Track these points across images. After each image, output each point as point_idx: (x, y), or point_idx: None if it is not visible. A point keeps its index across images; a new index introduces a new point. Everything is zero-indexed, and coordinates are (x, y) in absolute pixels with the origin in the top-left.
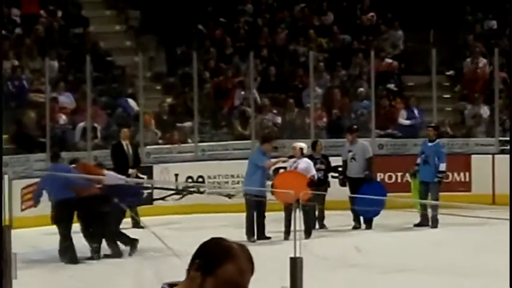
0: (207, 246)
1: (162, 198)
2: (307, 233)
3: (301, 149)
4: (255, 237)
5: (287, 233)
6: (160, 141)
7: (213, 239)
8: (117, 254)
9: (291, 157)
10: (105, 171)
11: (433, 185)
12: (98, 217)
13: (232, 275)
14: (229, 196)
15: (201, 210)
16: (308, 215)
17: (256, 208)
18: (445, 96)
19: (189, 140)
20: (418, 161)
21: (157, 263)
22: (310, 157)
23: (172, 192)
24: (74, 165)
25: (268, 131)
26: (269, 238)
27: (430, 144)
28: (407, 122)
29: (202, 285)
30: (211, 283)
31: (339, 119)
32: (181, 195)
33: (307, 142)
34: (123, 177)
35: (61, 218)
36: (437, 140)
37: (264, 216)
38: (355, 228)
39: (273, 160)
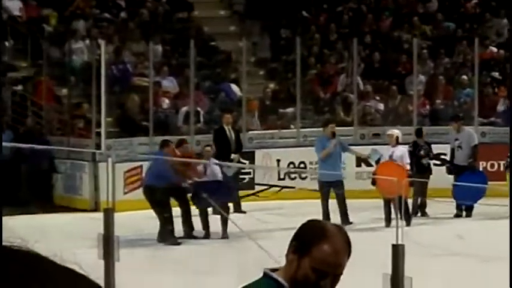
0: (302, 229)
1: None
2: (407, 221)
3: (397, 137)
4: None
5: (388, 220)
6: (261, 127)
7: (309, 221)
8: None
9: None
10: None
11: None
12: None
13: (327, 254)
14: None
15: (303, 196)
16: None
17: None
18: None
19: (291, 126)
20: None
21: (259, 249)
22: (414, 144)
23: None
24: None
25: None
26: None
27: None
28: (502, 108)
29: (299, 266)
30: (307, 263)
31: (441, 107)
32: (279, 188)
33: (410, 129)
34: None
35: (162, 203)
36: None
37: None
38: (457, 216)
39: (325, 151)
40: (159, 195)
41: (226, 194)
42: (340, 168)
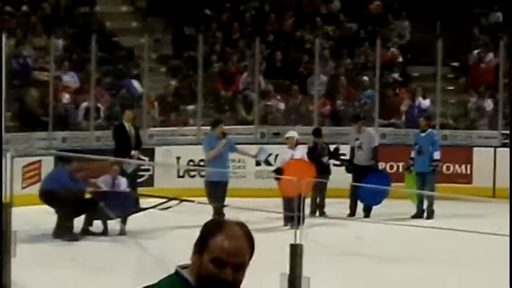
0: (202, 228)
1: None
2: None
3: (297, 139)
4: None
5: (287, 219)
6: (162, 124)
7: (210, 220)
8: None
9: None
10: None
11: (428, 176)
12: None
13: (222, 243)
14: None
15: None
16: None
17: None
18: (449, 88)
19: (192, 123)
20: (412, 154)
21: (158, 246)
22: (314, 144)
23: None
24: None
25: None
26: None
27: (422, 134)
28: (404, 109)
29: (201, 263)
30: (206, 257)
31: (342, 108)
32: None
33: (310, 129)
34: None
35: (61, 203)
36: (429, 130)
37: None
38: (349, 215)
39: (213, 150)
40: (57, 198)
41: (125, 206)
42: (227, 168)
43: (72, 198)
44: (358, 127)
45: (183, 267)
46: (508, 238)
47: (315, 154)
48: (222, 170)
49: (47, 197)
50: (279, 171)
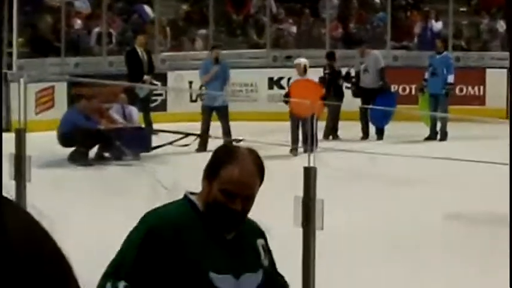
0: (214, 154)
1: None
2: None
3: (305, 65)
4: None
5: (295, 142)
6: (174, 48)
7: (221, 145)
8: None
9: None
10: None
11: (441, 97)
12: None
13: (233, 174)
14: (237, 141)
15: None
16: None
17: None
18: (462, 10)
19: (204, 47)
20: (426, 75)
21: (172, 171)
22: (331, 67)
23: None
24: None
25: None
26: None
27: (438, 56)
28: (418, 31)
29: (210, 190)
30: (216, 186)
31: (354, 31)
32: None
33: (322, 52)
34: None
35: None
36: (445, 52)
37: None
38: (362, 139)
39: (205, 76)
40: (73, 140)
41: (140, 143)
42: (223, 93)
43: (88, 135)
44: (362, 51)
45: (192, 193)
46: None
47: (331, 77)
48: (215, 94)
49: (64, 140)
50: (288, 95)
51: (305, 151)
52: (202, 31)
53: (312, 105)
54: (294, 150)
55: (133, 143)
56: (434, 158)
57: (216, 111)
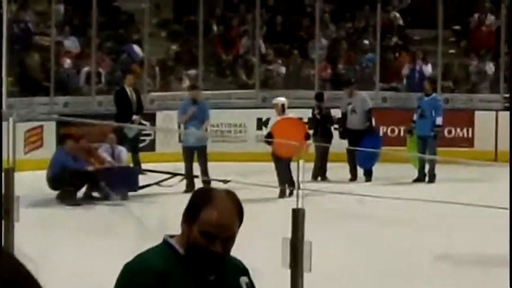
0: (192, 197)
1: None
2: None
3: (283, 104)
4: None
5: (282, 184)
6: (163, 88)
7: (198, 188)
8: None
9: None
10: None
11: (430, 139)
12: None
13: (212, 217)
14: (225, 181)
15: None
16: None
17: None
18: (451, 52)
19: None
20: (415, 117)
21: (159, 211)
22: (319, 108)
23: (168, 177)
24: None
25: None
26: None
27: (426, 98)
28: (406, 73)
29: (189, 233)
30: (196, 228)
31: (343, 71)
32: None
33: (311, 93)
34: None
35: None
36: (434, 94)
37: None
38: (351, 180)
39: (183, 116)
40: (62, 181)
41: (128, 182)
42: (199, 133)
43: (76, 176)
44: (350, 92)
45: (171, 236)
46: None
47: (319, 118)
48: (195, 136)
49: (54, 182)
50: (270, 135)
51: (291, 194)
52: (192, 71)
53: (297, 145)
54: (283, 192)
55: (121, 182)
56: (423, 200)
57: (196, 150)
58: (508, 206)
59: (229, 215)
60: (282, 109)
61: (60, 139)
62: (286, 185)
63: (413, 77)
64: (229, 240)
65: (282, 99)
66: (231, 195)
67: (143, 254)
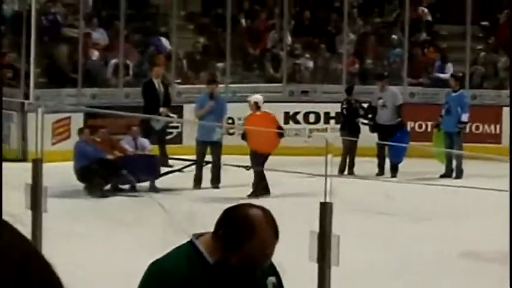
0: (230, 218)
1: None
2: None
3: (256, 102)
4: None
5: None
6: (190, 81)
7: (233, 211)
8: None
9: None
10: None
11: (455, 136)
12: None
13: (256, 251)
14: (247, 168)
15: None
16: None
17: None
18: (479, 47)
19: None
20: (443, 112)
21: (187, 204)
22: (348, 102)
23: (190, 163)
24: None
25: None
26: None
27: (453, 94)
28: (444, 76)
29: (227, 259)
30: (236, 258)
31: (371, 66)
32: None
33: (339, 88)
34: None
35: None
36: (461, 90)
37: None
38: (378, 175)
39: (199, 110)
40: (90, 172)
41: (149, 170)
42: (217, 128)
43: (101, 166)
44: (382, 86)
45: (199, 235)
46: None
47: (348, 112)
48: (211, 130)
49: (81, 175)
50: (244, 135)
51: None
52: (219, 64)
53: (271, 140)
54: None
55: (142, 169)
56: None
57: (209, 145)
58: None
59: (271, 243)
60: (256, 107)
61: (79, 130)
62: (258, 187)
63: (440, 72)
64: (268, 261)
65: (256, 97)
66: (268, 217)
67: (169, 255)
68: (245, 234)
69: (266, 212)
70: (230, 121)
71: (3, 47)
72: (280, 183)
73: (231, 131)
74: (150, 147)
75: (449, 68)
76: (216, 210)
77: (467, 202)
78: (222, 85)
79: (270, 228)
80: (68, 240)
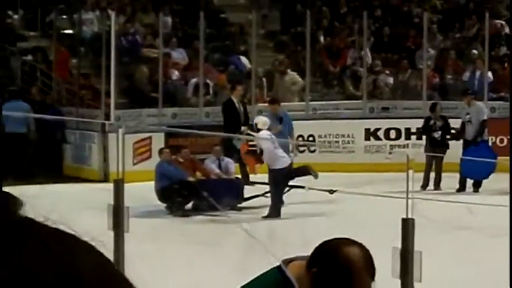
0: (327, 257)
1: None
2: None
3: (256, 124)
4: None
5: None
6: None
7: (336, 247)
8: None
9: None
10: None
11: None
12: None
13: None
14: (331, 192)
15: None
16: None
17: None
18: None
19: (300, 99)
20: None
21: (267, 226)
22: (428, 118)
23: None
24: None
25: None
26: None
27: None
28: None
29: None
30: None
31: (451, 81)
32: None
33: (420, 103)
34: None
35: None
36: None
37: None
38: (458, 190)
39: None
40: (171, 192)
41: (233, 193)
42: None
43: (183, 187)
44: (468, 101)
45: (289, 261)
46: None
47: (426, 129)
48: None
49: (162, 195)
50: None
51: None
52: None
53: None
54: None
55: (224, 194)
56: None
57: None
58: None
59: (368, 285)
60: (257, 129)
61: (159, 151)
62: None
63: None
64: None
65: (261, 119)
66: (367, 257)
67: (257, 282)
68: (342, 280)
69: (365, 252)
70: (311, 138)
71: (83, 68)
72: (361, 198)
73: (312, 148)
74: (234, 168)
75: (490, 76)
76: (296, 227)
77: None
78: (312, 102)
79: (367, 273)
80: (150, 260)
